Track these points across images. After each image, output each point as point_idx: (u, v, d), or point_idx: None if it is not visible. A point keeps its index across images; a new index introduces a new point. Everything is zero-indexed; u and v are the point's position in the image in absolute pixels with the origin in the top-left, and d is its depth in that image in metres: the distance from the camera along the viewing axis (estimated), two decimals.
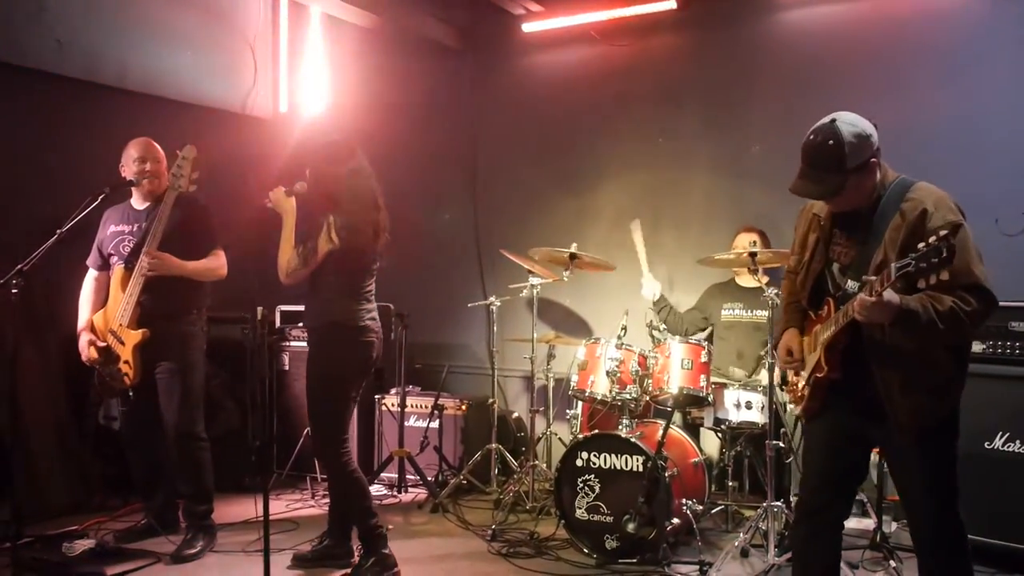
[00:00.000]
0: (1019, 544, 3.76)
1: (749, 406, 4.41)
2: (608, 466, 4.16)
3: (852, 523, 4.60)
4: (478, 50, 6.38)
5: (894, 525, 4.31)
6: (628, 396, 4.38)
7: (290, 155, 6.24)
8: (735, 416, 4.43)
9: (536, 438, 5.31)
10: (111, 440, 4.81)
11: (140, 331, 4.09)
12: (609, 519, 4.12)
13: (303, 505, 5.16)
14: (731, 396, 4.45)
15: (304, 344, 5.19)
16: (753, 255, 4.31)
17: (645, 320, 4.86)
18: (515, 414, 5.94)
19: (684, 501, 4.15)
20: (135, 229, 4.25)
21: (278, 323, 5.91)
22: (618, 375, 4.38)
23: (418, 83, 6.52)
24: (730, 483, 4.64)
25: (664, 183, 5.74)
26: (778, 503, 4.01)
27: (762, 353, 4.70)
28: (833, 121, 2.64)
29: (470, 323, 6.27)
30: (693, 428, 4.91)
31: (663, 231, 5.63)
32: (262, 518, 3.25)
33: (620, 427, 4.31)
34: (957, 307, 2.50)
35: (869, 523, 4.30)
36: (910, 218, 2.58)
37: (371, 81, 6.62)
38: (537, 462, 5.13)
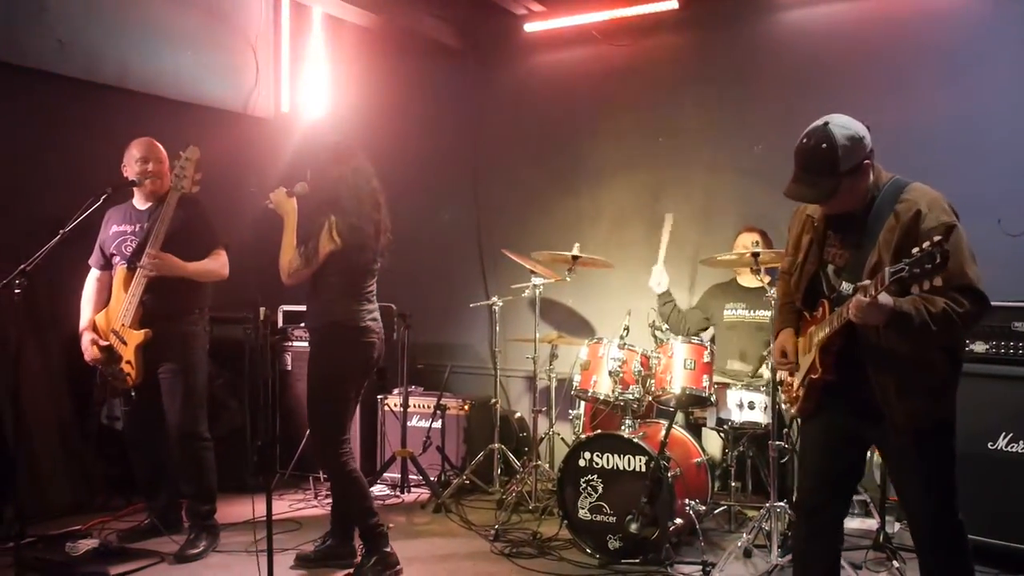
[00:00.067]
0: (1021, 544, 3.76)
1: (752, 406, 4.41)
2: (611, 466, 4.16)
3: (855, 523, 4.61)
4: (480, 50, 6.38)
5: (897, 525, 4.31)
6: (631, 396, 4.37)
7: (291, 156, 6.25)
8: (738, 416, 4.43)
9: (539, 438, 5.31)
10: (114, 440, 4.81)
11: (142, 331, 4.09)
12: (612, 519, 4.12)
13: (306, 505, 5.17)
14: (734, 396, 4.44)
15: (307, 344, 5.20)
16: (756, 255, 4.31)
17: (648, 320, 4.86)
18: (517, 414, 5.94)
19: (687, 501, 4.15)
20: (137, 229, 4.25)
21: (280, 323, 5.91)
22: (620, 375, 4.38)
23: (420, 83, 6.53)
24: (733, 483, 4.64)
25: (665, 183, 5.74)
26: (781, 503, 4.01)
27: (764, 353, 4.70)
28: (826, 124, 2.64)
29: (472, 323, 6.27)
30: (696, 428, 4.91)
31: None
32: (265, 518, 3.25)
33: (623, 427, 4.31)
34: (950, 309, 2.51)
35: (872, 523, 4.30)
36: (904, 219, 2.58)
37: (373, 81, 6.62)
38: (540, 462, 5.14)
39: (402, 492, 5.47)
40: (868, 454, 3.19)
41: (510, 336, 5.70)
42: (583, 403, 4.84)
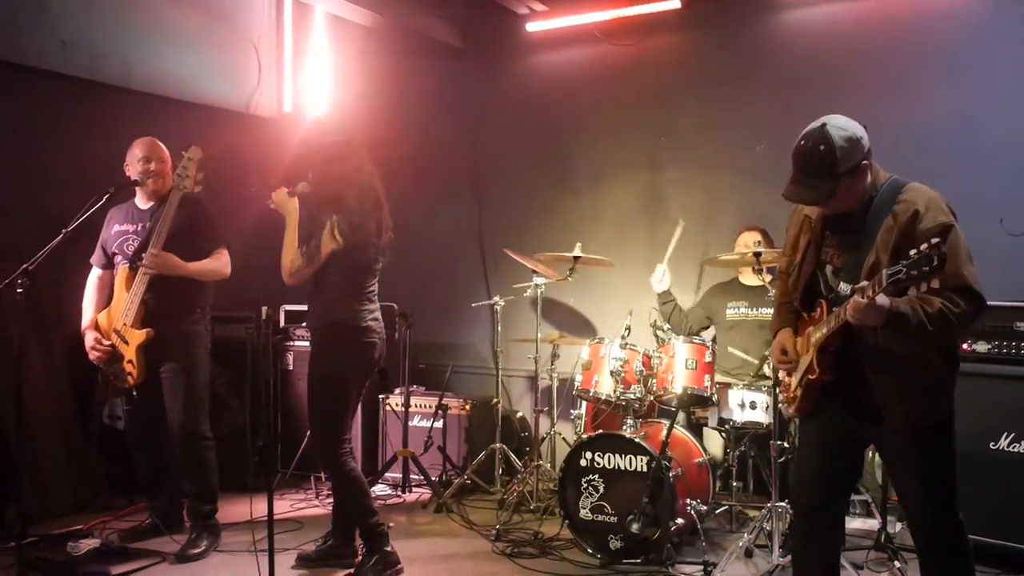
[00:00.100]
0: (1022, 545, 3.75)
1: (753, 406, 4.40)
2: (612, 466, 4.16)
3: (857, 523, 4.61)
4: (482, 49, 6.38)
5: (899, 526, 4.31)
6: (632, 396, 4.37)
7: (292, 155, 6.24)
8: (739, 416, 4.42)
9: (540, 438, 5.32)
10: (116, 440, 4.81)
11: (144, 331, 4.10)
12: (613, 519, 4.12)
13: (307, 505, 5.17)
14: (735, 396, 4.44)
15: (308, 344, 5.21)
16: (758, 255, 4.31)
17: (649, 320, 4.86)
18: (519, 414, 5.94)
19: (688, 501, 4.14)
20: (139, 229, 4.26)
21: (282, 323, 5.92)
22: (622, 375, 4.38)
23: (422, 83, 6.53)
24: (734, 483, 4.64)
25: (667, 183, 5.74)
26: (782, 503, 4.00)
27: (767, 352, 4.69)
28: (823, 126, 2.64)
29: (474, 323, 6.27)
30: (697, 428, 4.91)
31: (665, 231, 5.61)
32: (266, 518, 3.25)
33: (624, 427, 4.31)
34: (946, 309, 2.51)
35: (874, 523, 4.30)
36: (902, 220, 2.59)
37: (375, 81, 6.62)
38: (541, 462, 5.13)
39: (403, 492, 5.47)
40: (868, 453, 3.20)
41: (512, 336, 5.70)
42: (584, 403, 4.84)
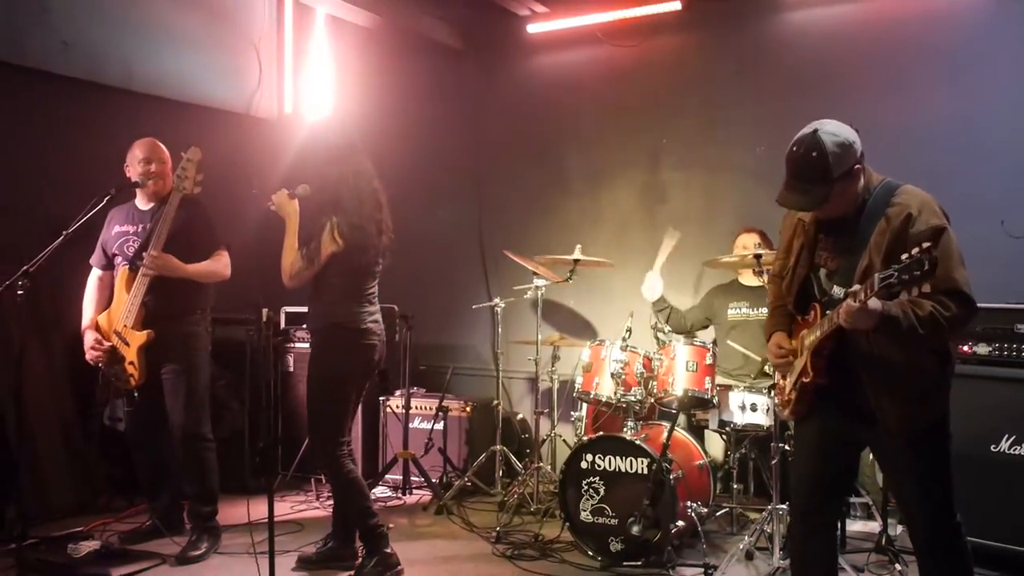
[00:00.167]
0: (1022, 547, 3.75)
1: (754, 408, 4.40)
2: (613, 468, 4.15)
3: (857, 526, 4.61)
4: (482, 51, 6.38)
5: (899, 528, 4.29)
6: (633, 398, 4.37)
7: (293, 157, 6.25)
8: (740, 418, 4.42)
9: (540, 440, 5.31)
10: (116, 441, 4.80)
11: (145, 332, 4.10)
12: (614, 521, 4.11)
13: (308, 507, 5.17)
14: (736, 398, 4.44)
15: (308, 346, 5.21)
16: (758, 256, 4.31)
17: (650, 322, 4.86)
18: (519, 416, 5.94)
19: (689, 504, 4.14)
20: (139, 230, 4.25)
21: (283, 324, 5.91)
22: (623, 377, 4.38)
23: (422, 84, 6.53)
24: (735, 486, 4.64)
25: (667, 184, 5.74)
26: (783, 506, 4.00)
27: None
28: (815, 131, 2.64)
29: (474, 325, 6.27)
30: (698, 430, 4.91)
31: (665, 232, 5.62)
32: (266, 519, 3.25)
33: (625, 429, 4.30)
34: (937, 312, 2.52)
35: (875, 526, 4.29)
36: (895, 223, 2.59)
37: (375, 82, 6.63)
38: (541, 464, 5.13)
39: (404, 494, 5.46)
40: (868, 456, 3.19)
41: (512, 338, 5.70)
42: (585, 405, 4.83)
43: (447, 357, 6.30)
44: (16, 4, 4.98)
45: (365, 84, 6.67)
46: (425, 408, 5.63)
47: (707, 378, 4.33)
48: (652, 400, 4.49)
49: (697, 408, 4.70)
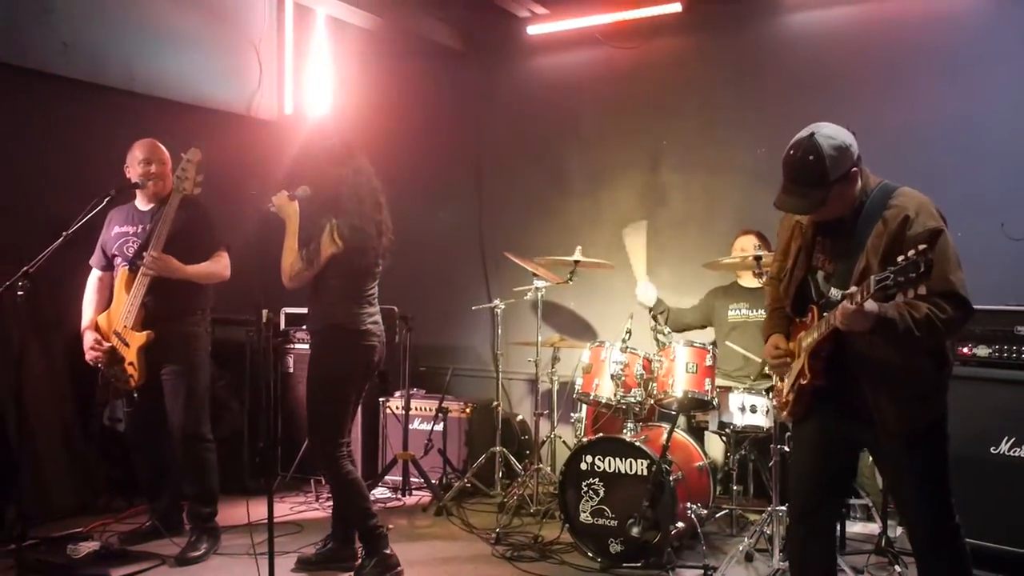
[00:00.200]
0: (1022, 549, 3.75)
1: (754, 410, 4.40)
2: (612, 470, 4.15)
3: (857, 528, 4.61)
4: (482, 52, 6.38)
5: (899, 530, 4.29)
6: (632, 399, 4.37)
7: (293, 159, 6.26)
8: (740, 420, 4.42)
9: (540, 441, 5.31)
10: (116, 442, 4.80)
11: (145, 333, 4.09)
12: (613, 523, 4.11)
13: (307, 508, 5.17)
14: (736, 400, 4.44)
15: (308, 347, 5.21)
16: (758, 258, 4.32)
17: (650, 324, 4.86)
18: (519, 417, 5.94)
19: (688, 505, 4.14)
20: (139, 231, 4.25)
21: (283, 325, 5.91)
22: (622, 378, 4.38)
23: (422, 86, 6.53)
24: (735, 487, 4.64)
25: (668, 185, 5.74)
26: (783, 507, 4.00)
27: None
28: (811, 135, 2.64)
29: (474, 326, 6.27)
30: (698, 432, 4.91)
31: (666, 234, 5.63)
32: (266, 520, 3.25)
33: (624, 431, 4.31)
34: (933, 314, 2.52)
35: (874, 528, 4.29)
36: (892, 226, 2.59)
37: (375, 83, 6.63)
38: (541, 465, 5.13)
39: (403, 495, 5.46)
40: (868, 457, 3.19)
41: (512, 339, 5.70)
42: (585, 406, 4.83)
43: (447, 358, 6.30)
44: (17, 5, 4.99)
45: (365, 85, 6.67)
46: (425, 409, 5.63)
47: (707, 380, 4.34)
48: (652, 401, 4.49)
49: (697, 409, 4.70)
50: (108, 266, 4.34)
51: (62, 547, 4.07)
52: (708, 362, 4.36)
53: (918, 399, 2.65)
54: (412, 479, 5.49)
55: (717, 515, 4.58)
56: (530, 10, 5.98)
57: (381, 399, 5.67)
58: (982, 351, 3.93)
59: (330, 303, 3.85)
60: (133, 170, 4.26)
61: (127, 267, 4.17)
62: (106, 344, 4.17)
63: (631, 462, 4.12)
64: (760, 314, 4.93)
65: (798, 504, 2.95)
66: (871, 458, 3.81)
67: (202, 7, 6.10)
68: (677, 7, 5.55)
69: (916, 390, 2.65)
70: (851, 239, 2.70)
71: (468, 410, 5.60)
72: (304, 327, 5.29)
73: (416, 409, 5.61)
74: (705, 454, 4.57)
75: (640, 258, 5.23)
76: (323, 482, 5.32)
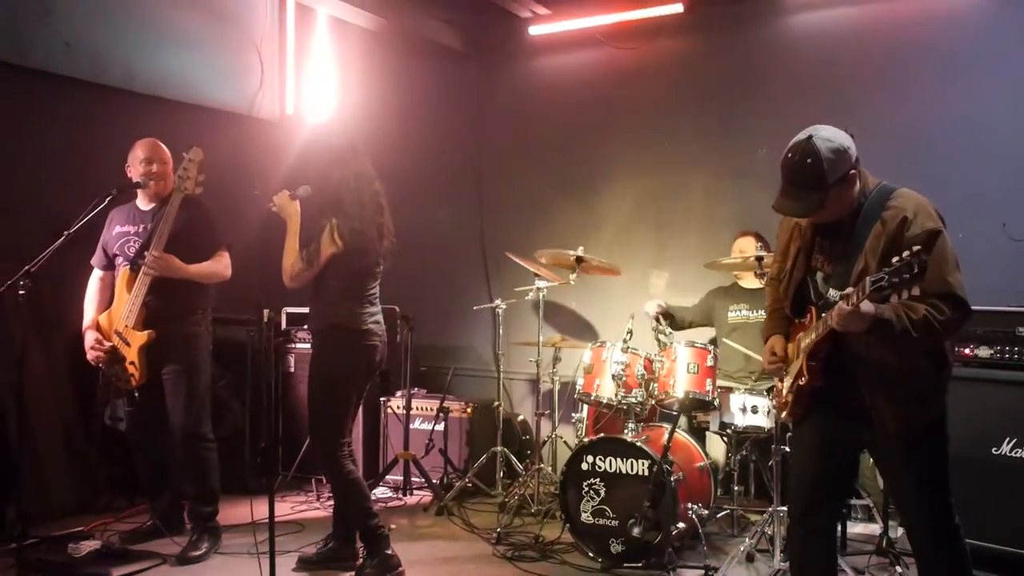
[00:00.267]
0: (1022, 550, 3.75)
1: (755, 410, 4.40)
2: (613, 470, 4.15)
3: (858, 528, 4.61)
4: (484, 53, 6.39)
5: (900, 530, 4.29)
6: (633, 400, 4.37)
7: (294, 158, 6.25)
8: (741, 420, 4.42)
9: (541, 441, 5.31)
10: (117, 441, 4.80)
11: (146, 332, 4.10)
12: (614, 523, 4.11)
13: (308, 507, 5.17)
14: (737, 400, 4.44)
15: (309, 346, 5.21)
16: (759, 259, 4.32)
17: (651, 324, 4.86)
18: (520, 417, 5.94)
19: (689, 505, 4.14)
20: (140, 230, 4.26)
21: (284, 325, 5.91)
22: (624, 379, 4.38)
23: (424, 86, 6.54)
24: (736, 487, 4.63)
25: (669, 187, 5.74)
26: (784, 508, 3.99)
27: None
28: (810, 137, 2.64)
29: (476, 326, 6.27)
30: (699, 432, 4.91)
31: (666, 235, 5.63)
32: (267, 520, 3.25)
33: (625, 431, 4.31)
34: (930, 316, 2.52)
35: (875, 528, 4.30)
36: (890, 227, 2.59)
37: (377, 84, 6.63)
38: (542, 465, 5.13)
39: (404, 495, 5.46)
40: (869, 458, 3.19)
41: (513, 339, 5.70)
42: (586, 406, 4.83)
43: (448, 358, 6.30)
44: (18, 4, 4.99)
45: (366, 85, 6.67)
46: (426, 409, 5.63)
47: (708, 380, 4.33)
48: (653, 402, 4.49)
49: (698, 410, 4.70)
50: (109, 265, 4.34)
51: (63, 546, 4.07)
52: (709, 362, 4.36)
53: (916, 400, 2.65)
54: (413, 479, 5.49)
55: (718, 515, 4.59)
56: (532, 11, 5.98)
57: (382, 399, 5.67)
58: (983, 352, 3.93)
59: (331, 303, 3.85)
60: (134, 169, 4.26)
61: (128, 267, 4.17)
62: (107, 343, 4.18)
63: (632, 462, 4.12)
64: (760, 315, 4.93)
65: (798, 505, 2.95)
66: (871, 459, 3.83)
67: (203, 7, 6.10)
68: (679, 8, 5.56)
69: (914, 391, 2.65)
70: (850, 240, 2.70)
71: (469, 410, 5.60)
72: (305, 327, 5.29)
73: (417, 409, 5.61)
74: (706, 454, 4.57)
75: (654, 293, 5.23)
76: (324, 481, 5.31)
